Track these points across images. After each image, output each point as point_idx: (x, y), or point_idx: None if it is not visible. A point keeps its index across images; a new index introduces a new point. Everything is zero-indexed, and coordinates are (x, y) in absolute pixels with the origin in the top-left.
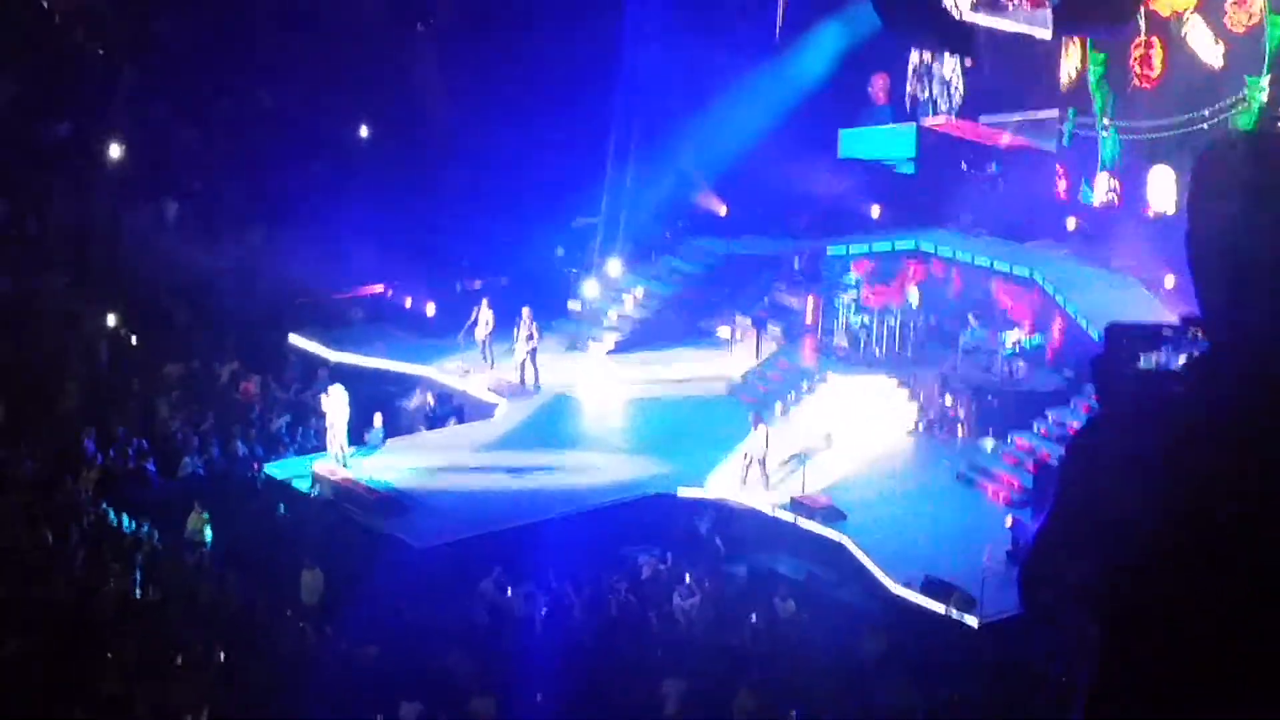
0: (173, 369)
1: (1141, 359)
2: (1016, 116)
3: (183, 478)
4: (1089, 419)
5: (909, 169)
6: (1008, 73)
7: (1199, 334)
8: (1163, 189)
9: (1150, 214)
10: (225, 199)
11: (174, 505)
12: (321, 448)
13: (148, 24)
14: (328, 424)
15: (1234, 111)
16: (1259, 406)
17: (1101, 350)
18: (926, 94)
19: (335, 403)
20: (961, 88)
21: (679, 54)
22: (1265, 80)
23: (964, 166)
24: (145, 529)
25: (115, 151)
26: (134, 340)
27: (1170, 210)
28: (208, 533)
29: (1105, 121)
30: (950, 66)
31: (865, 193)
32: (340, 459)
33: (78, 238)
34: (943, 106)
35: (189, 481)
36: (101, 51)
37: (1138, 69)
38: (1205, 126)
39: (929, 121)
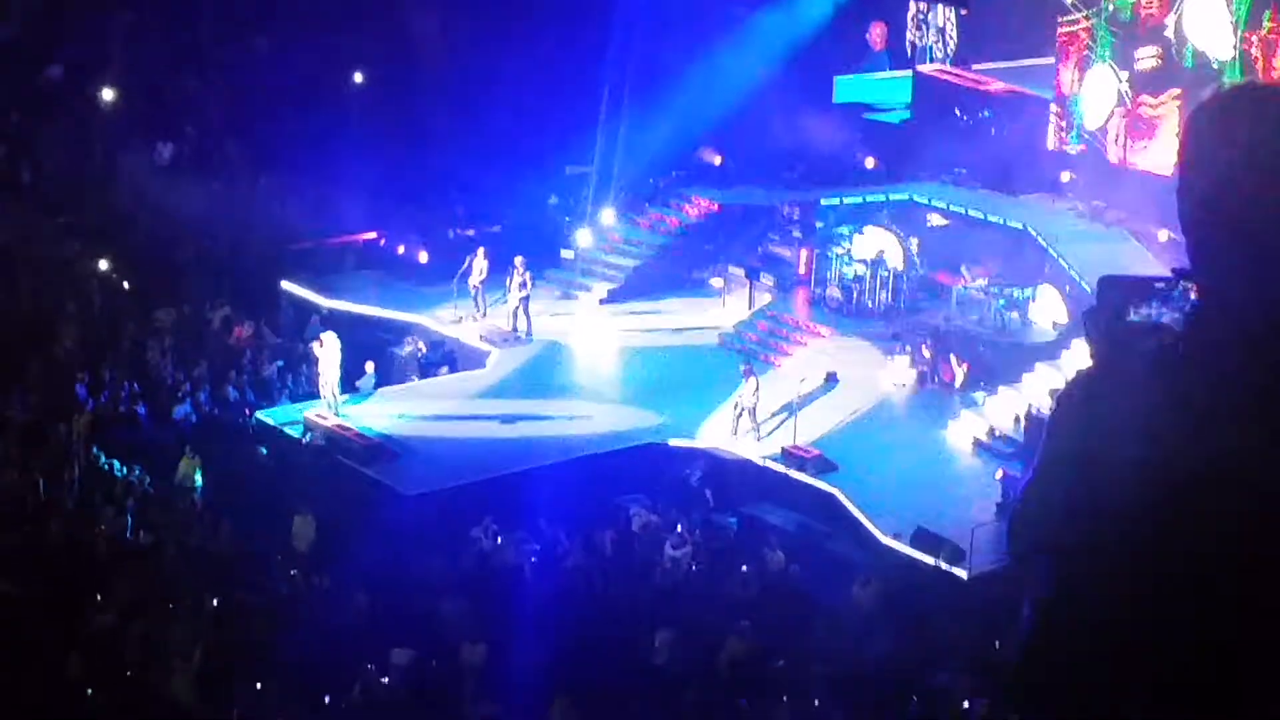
0: (165, 314)
1: (1132, 312)
2: (1010, 63)
3: (174, 423)
4: (1078, 371)
5: (906, 115)
6: (1003, 20)
7: (1190, 288)
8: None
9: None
10: (219, 144)
11: (166, 450)
12: (314, 394)
13: None
14: (319, 371)
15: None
16: (1247, 363)
17: (1093, 302)
18: (923, 41)
19: (328, 350)
20: (956, 35)
21: (675, 1)
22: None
23: (958, 113)
24: (137, 473)
25: (109, 96)
26: (126, 285)
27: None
28: (198, 478)
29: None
30: (946, 14)
31: (859, 144)
32: (332, 406)
33: (71, 182)
34: (938, 54)
35: (181, 426)
36: None
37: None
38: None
39: (925, 68)
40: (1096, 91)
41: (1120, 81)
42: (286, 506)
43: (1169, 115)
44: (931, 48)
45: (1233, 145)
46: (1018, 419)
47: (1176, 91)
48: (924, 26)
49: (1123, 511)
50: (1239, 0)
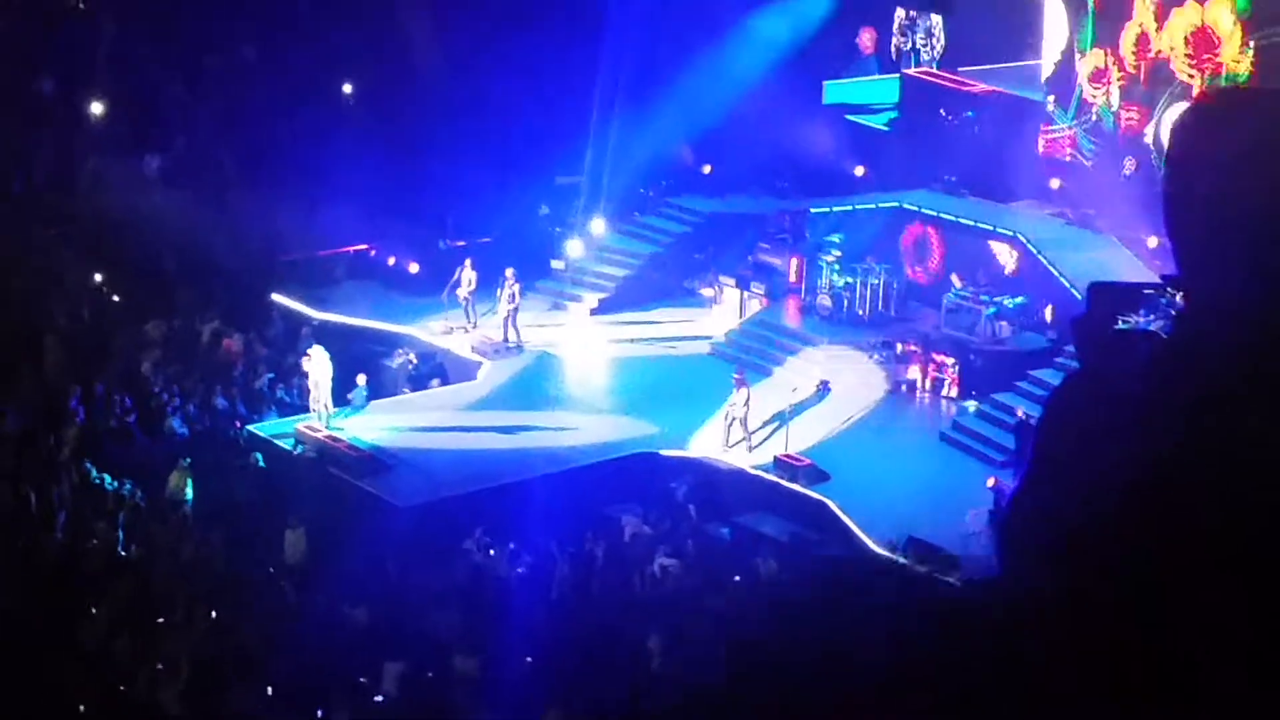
0: (155, 326)
1: (1120, 319)
2: (996, 65)
3: (165, 436)
4: (1065, 377)
5: (893, 115)
6: (990, 25)
7: (1177, 294)
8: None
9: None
10: (209, 155)
11: (156, 463)
12: (305, 407)
13: None
14: (310, 385)
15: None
16: (1234, 365)
17: (1083, 309)
18: (910, 46)
19: (317, 364)
20: (943, 39)
21: (665, 9)
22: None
23: (943, 113)
24: (128, 487)
25: (99, 107)
26: (116, 297)
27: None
28: (189, 491)
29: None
30: (934, 18)
31: (849, 152)
32: (323, 419)
33: (61, 194)
34: (925, 57)
35: (171, 439)
36: (84, 6)
37: None
38: None
39: (912, 71)
40: None
41: None
42: (278, 519)
43: None
44: (920, 50)
45: (1223, 148)
46: (1009, 426)
47: None
48: (909, 32)
49: (1112, 514)
50: None
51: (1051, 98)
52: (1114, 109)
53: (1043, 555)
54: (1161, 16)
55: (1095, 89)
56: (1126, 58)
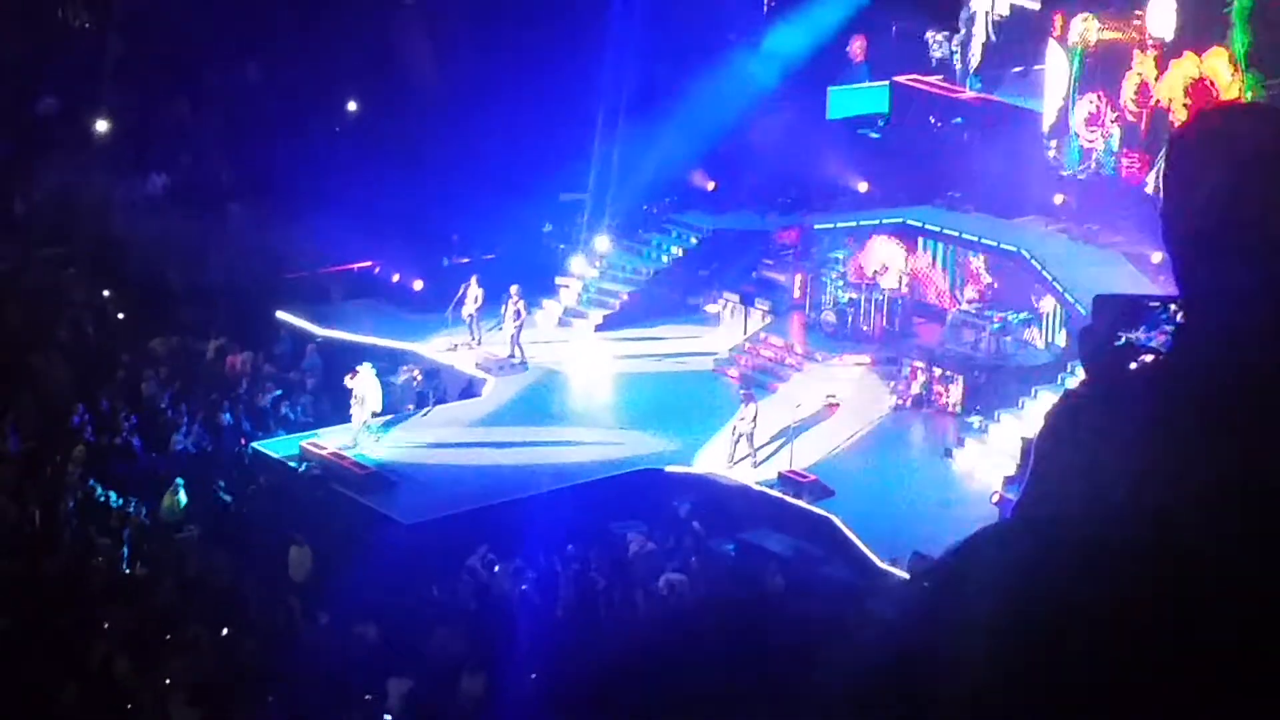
0: (159, 344)
1: (1123, 334)
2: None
3: (169, 453)
4: (1066, 391)
5: (885, 121)
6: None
7: (1178, 311)
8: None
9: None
10: (213, 173)
11: (161, 481)
12: (308, 424)
13: None
14: (354, 400)
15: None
16: (1230, 384)
17: (1089, 321)
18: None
19: (364, 382)
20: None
21: (667, 27)
22: None
23: (932, 120)
24: (132, 504)
25: (102, 126)
26: (120, 315)
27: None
28: (182, 507)
29: None
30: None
31: (853, 168)
32: (363, 435)
33: (65, 212)
34: (957, 66)
35: (176, 457)
36: (88, 25)
37: None
38: None
39: (903, 78)
40: None
41: None
42: (283, 537)
43: None
44: (954, 55)
45: (1224, 165)
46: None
47: None
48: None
49: (1112, 532)
50: None
51: (1054, 143)
52: (1114, 151)
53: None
54: (1161, 66)
55: (1090, 133)
56: (1128, 106)
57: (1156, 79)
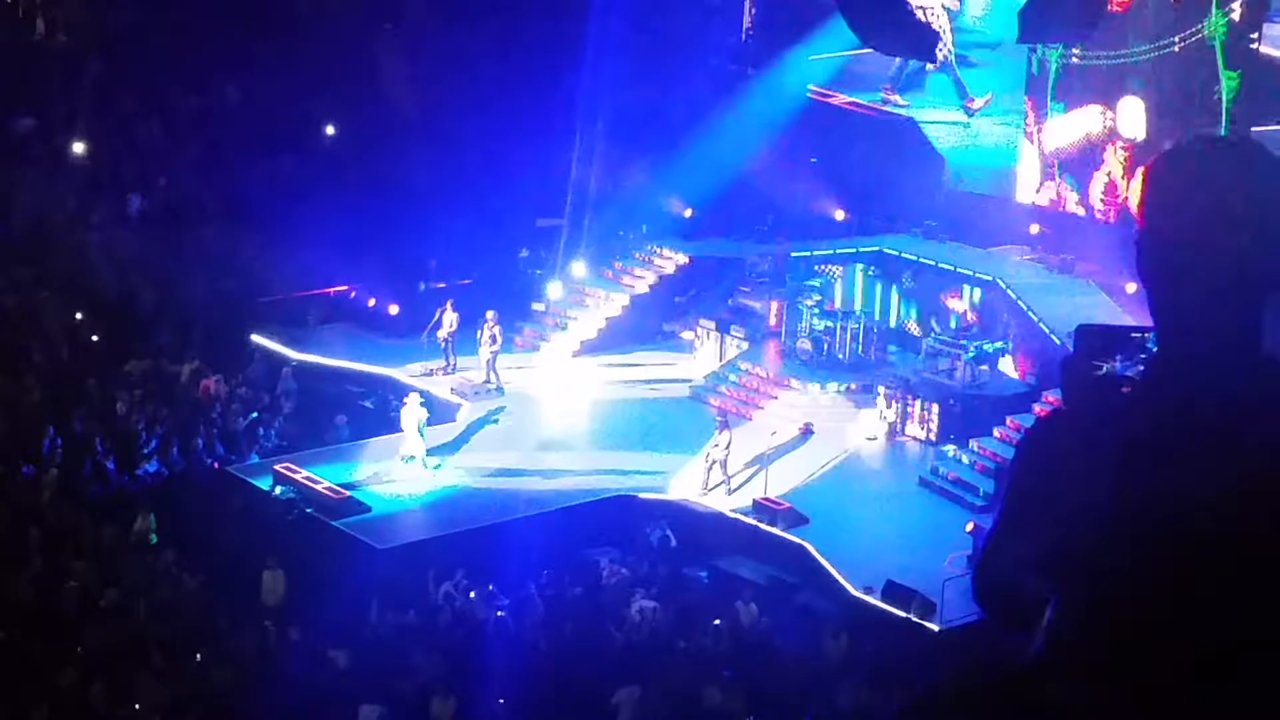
0: (134, 366)
1: (1102, 362)
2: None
3: (142, 476)
4: (1039, 419)
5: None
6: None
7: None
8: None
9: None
10: (189, 195)
11: (134, 504)
12: (283, 447)
13: (112, 18)
14: (405, 428)
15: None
16: (1199, 413)
17: (1071, 351)
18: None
19: (411, 411)
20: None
21: (646, 53)
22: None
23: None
24: (105, 528)
25: (79, 147)
26: (95, 337)
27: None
28: (153, 536)
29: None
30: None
31: (829, 196)
32: (413, 463)
33: (39, 232)
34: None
35: (148, 480)
36: (65, 45)
37: None
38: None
39: (813, 90)
40: None
41: None
42: (256, 561)
43: None
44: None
45: (1198, 195)
46: (988, 471)
47: None
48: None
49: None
50: None
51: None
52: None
53: (1018, 597)
54: (1130, 167)
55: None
56: (1095, 205)
57: (1124, 178)
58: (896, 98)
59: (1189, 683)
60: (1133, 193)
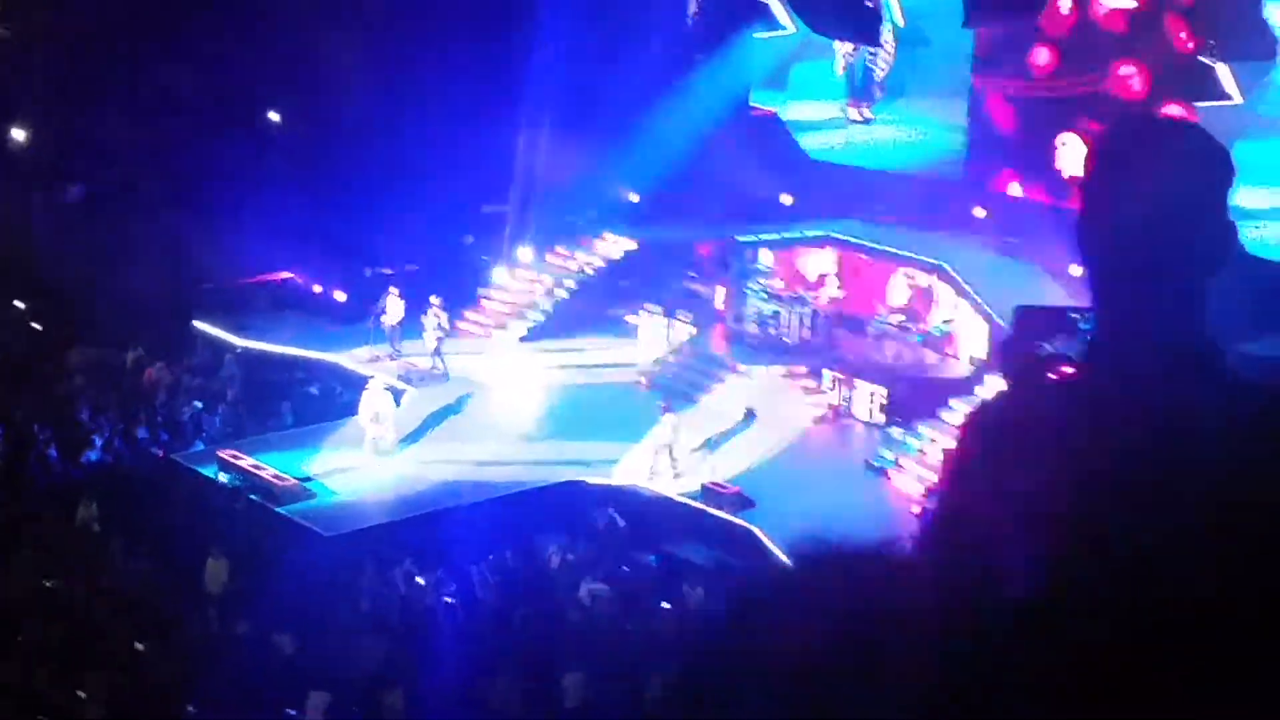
0: (76, 355)
1: (1043, 342)
2: None
3: (85, 465)
4: (981, 402)
5: None
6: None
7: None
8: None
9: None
10: (132, 183)
11: (77, 493)
12: (228, 434)
13: (55, 6)
14: (368, 420)
15: None
16: (1134, 395)
17: (1010, 333)
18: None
19: (376, 397)
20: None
21: (591, 38)
22: None
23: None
24: (47, 517)
25: (19, 134)
26: (37, 326)
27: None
28: (96, 518)
29: None
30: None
31: (777, 180)
32: (382, 453)
33: None
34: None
35: (92, 469)
36: (7, 33)
37: None
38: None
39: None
40: None
41: None
42: (201, 549)
43: None
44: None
45: (1142, 176)
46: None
47: None
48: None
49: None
50: None
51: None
52: None
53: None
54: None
55: None
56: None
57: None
58: (867, 112)
59: (1123, 667)
60: (1075, 173)
